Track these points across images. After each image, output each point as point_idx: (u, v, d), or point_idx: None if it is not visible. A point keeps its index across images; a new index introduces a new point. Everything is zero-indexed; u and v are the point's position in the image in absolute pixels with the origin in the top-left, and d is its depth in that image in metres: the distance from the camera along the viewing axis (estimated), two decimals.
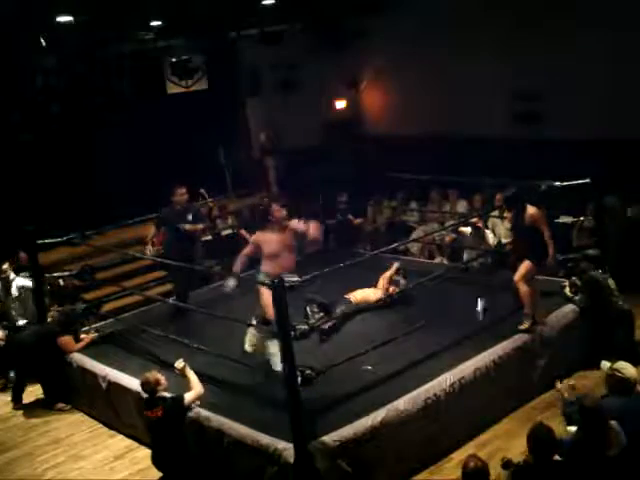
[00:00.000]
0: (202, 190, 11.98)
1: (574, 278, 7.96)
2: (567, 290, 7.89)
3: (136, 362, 7.57)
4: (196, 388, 6.16)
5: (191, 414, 6.29)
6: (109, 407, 7.48)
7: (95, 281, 10.00)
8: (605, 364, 5.50)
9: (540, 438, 4.67)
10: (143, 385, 6.07)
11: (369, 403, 6.15)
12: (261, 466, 5.80)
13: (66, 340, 8.02)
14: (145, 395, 6.10)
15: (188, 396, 6.08)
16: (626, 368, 5.19)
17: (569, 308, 7.73)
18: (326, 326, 7.20)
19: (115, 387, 7.32)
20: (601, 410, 4.73)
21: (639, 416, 4.95)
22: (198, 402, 6.26)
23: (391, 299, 8.02)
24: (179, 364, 6.27)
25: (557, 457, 4.78)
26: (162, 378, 6.08)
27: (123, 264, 10.87)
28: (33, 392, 8.40)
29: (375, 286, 8.40)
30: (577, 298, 7.74)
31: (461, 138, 12.38)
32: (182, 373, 6.27)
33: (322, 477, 5.60)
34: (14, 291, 9.08)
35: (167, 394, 6.16)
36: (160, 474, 6.16)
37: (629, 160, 10.11)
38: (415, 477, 6.18)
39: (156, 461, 6.08)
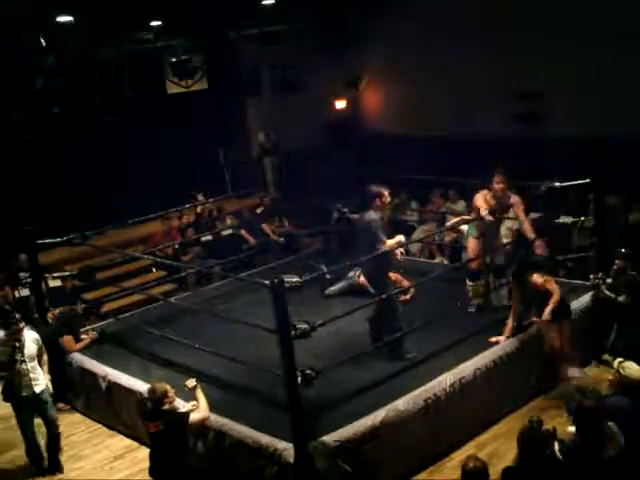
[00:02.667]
0: (199, 195, 11.97)
1: (602, 274, 7.85)
2: (604, 288, 7.80)
3: (136, 362, 7.57)
4: (203, 411, 5.92)
5: None
6: (109, 407, 7.48)
7: (95, 281, 9.99)
8: (616, 361, 5.48)
9: (530, 439, 4.68)
10: (149, 394, 5.82)
11: (369, 403, 6.15)
12: (261, 466, 5.80)
13: (67, 340, 8.02)
14: (149, 405, 5.86)
15: (193, 417, 5.82)
16: (629, 368, 5.19)
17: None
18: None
19: (115, 387, 7.31)
20: (598, 411, 4.72)
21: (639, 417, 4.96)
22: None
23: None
24: (190, 383, 6.03)
25: (559, 455, 4.80)
26: (171, 392, 5.80)
27: (123, 264, 10.87)
28: None
29: None
30: (621, 299, 7.56)
31: (461, 138, 12.38)
32: (192, 393, 6.04)
33: (322, 477, 5.60)
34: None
35: (177, 402, 5.97)
36: None
37: (629, 160, 10.11)
38: (415, 477, 6.19)
39: (153, 473, 5.98)
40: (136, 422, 7.07)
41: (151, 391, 5.82)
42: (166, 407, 5.76)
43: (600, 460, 4.61)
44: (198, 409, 5.92)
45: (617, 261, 7.81)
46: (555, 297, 7.00)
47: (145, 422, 5.91)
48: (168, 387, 5.83)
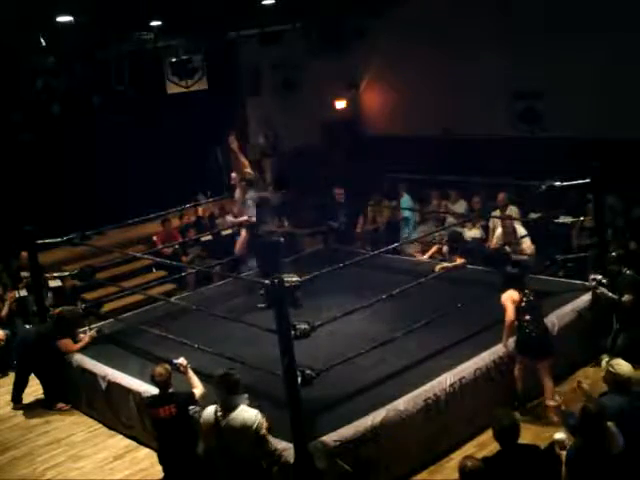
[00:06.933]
0: (201, 197, 12.01)
1: (599, 277, 7.81)
2: (607, 290, 7.67)
3: (136, 362, 7.57)
4: (201, 386, 6.11)
5: (191, 414, 6.32)
6: (109, 407, 7.48)
7: (95, 281, 9.99)
8: (604, 360, 5.53)
9: (503, 426, 4.69)
10: (156, 377, 5.87)
11: (369, 403, 6.15)
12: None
13: (65, 342, 8.01)
14: (155, 391, 5.97)
15: (198, 393, 6.02)
16: (620, 365, 5.21)
17: (569, 308, 7.71)
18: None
19: (115, 387, 7.32)
20: (603, 414, 4.72)
21: (635, 415, 4.96)
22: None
23: None
24: (183, 361, 6.21)
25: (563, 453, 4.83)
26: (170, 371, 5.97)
27: (123, 264, 10.88)
28: (33, 392, 8.40)
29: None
30: (624, 298, 7.45)
31: (461, 138, 12.39)
32: (184, 371, 6.21)
33: (322, 477, 5.60)
34: None
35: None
36: (161, 474, 6.15)
37: (629, 160, 10.11)
38: (415, 477, 6.19)
39: (165, 460, 6.02)
40: (135, 422, 7.08)
41: (158, 374, 5.86)
42: (171, 389, 5.86)
43: (606, 460, 4.61)
44: (195, 387, 6.07)
45: (610, 266, 7.79)
46: (506, 320, 6.80)
47: (154, 409, 5.91)
48: (170, 367, 5.96)
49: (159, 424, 5.96)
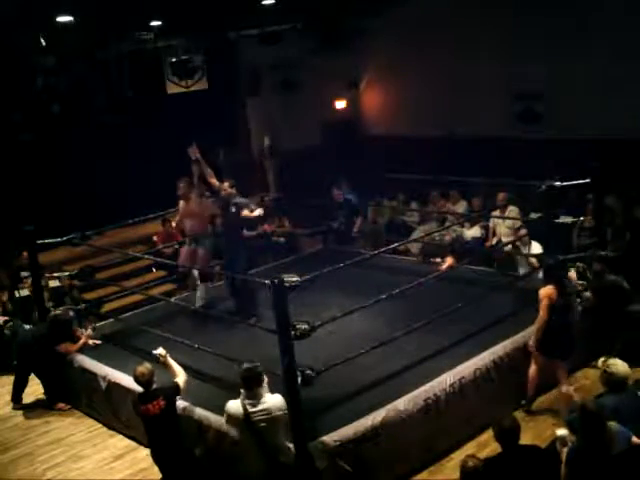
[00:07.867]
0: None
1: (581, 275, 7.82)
2: (574, 275, 7.63)
3: (136, 362, 7.53)
4: (182, 374, 6.15)
5: (191, 414, 6.33)
6: (109, 407, 7.48)
7: (94, 281, 9.99)
8: (600, 360, 5.53)
9: (504, 427, 4.70)
10: (139, 378, 5.92)
11: (369, 403, 6.16)
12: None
13: (65, 346, 8.01)
14: (140, 389, 5.99)
15: (181, 382, 6.05)
16: (616, 364, 5.21)
17: None
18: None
19: (115, 387, 7.32)
20: (602, 414, 4.71)
21: (633, 413, 4.96)
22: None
23: None
24: (162, 351, 6.26)
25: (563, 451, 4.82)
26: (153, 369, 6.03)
27: (123, 264, 10.87)
28: (33, 392, 8.40)
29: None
30: (586, 295, 7.54)
31: (461, 138, 12.40)
32: (164, 361, 6.24)
33: (322, 477, 5.60)
34: None
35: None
36: (160, 474, 6.15)
37: (629, 160, 10.12)
38: (415, 477, 6.18)
39: (159, 457, 6.02)
40: (135, 422, 7.07)
41: (140, 374, 5.92)
42: (155, 385, 5.91)
43: (604, 461, 4.60)
44: (177, 375, 6.12)
45: (595, 264, 7.79)
46: (538, 319, 6.67)
47: (143, 406, 5.91)
48: (150, 366, 5.99)
49: (150, 421, 5.96)
